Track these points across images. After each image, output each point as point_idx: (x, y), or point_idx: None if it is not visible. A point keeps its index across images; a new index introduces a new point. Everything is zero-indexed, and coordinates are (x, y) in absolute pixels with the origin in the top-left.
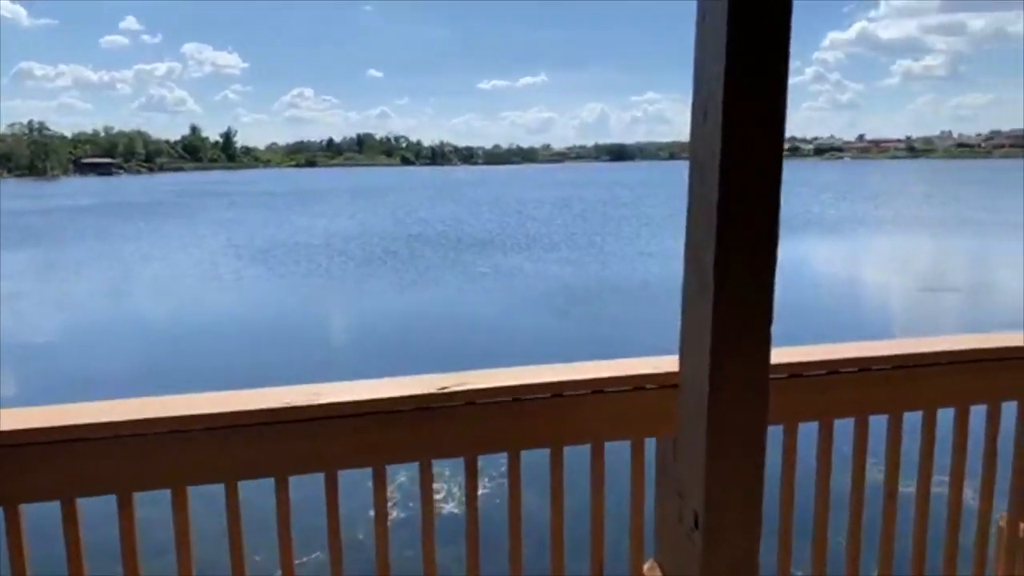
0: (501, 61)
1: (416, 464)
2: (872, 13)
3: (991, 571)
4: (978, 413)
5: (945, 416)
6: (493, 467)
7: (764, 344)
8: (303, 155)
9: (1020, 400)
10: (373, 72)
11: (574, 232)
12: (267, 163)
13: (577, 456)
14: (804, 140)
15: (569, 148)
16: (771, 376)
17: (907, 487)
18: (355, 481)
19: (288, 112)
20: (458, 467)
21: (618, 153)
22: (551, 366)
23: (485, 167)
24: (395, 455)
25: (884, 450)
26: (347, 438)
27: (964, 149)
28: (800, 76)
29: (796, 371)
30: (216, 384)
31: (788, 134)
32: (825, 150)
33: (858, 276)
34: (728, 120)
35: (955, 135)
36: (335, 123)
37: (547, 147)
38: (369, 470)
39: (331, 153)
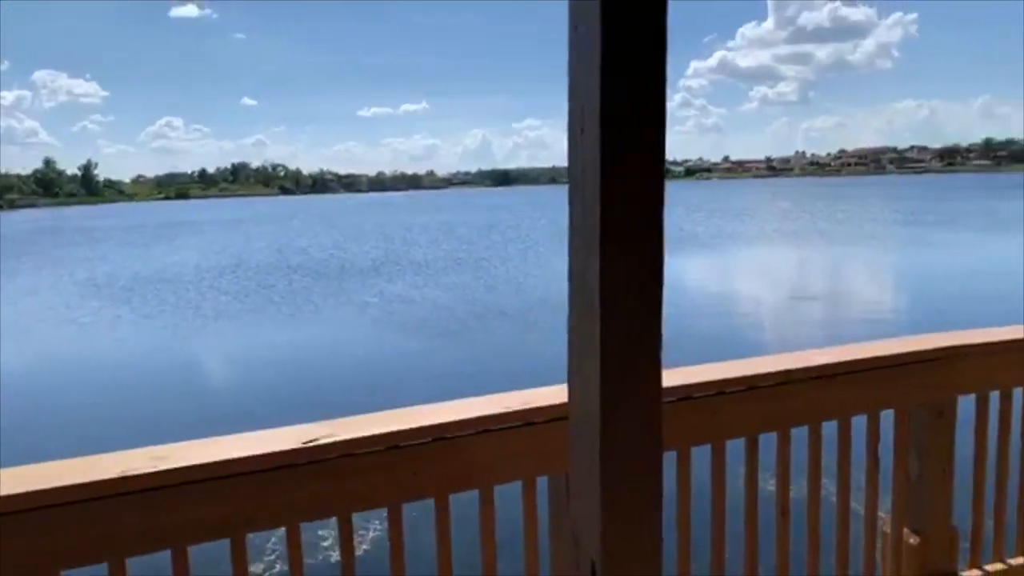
0: (380, 88)
1: None
2: (730, 43)
3: (879, 574)
4: (859, 422)
5: (829, 427)
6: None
7: (656, 368)
8: (173, 187)
9: (897, 409)
10: (247, 100)
11: (460, 257)
12: (133, 196)
13: (472, 495)
14: (675, 162)
15: (453, 174)
16: (666, 400)
17: (801, 492)
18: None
19: (156, 143)
20: None
21: (501, 178)
22: (433, 406)
23: (369, 194)
24: (256, 522)
25: (775, 466)
26: (198, 507)
27: (816, 167)
28: (669, 102)
29: (685, 394)
30: (62, 445)
31: None
32: (695, 171)
33: (732, 288)
34: (606, 132)
35: (808, 155)
36: (208, 153)
37: (431, 173)
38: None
39: (204, 184)
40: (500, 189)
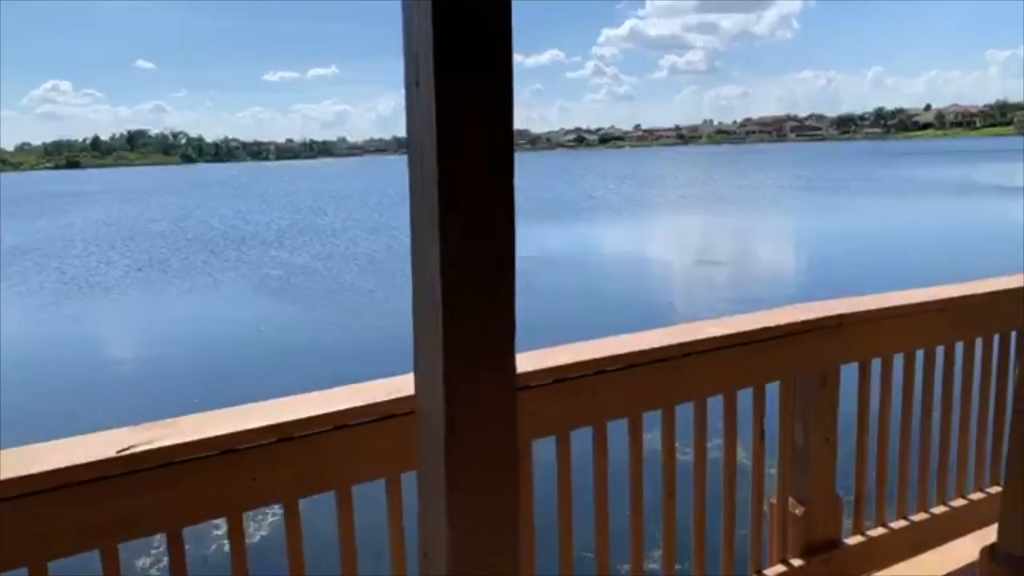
0: (288, 53)
1: None
2: (640, 12)
3: (766, 553)
4: (745, 396)
5: (716, 402)
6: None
7: (508, 356)
8: (63, 155)
9: (783, 380)
10: (143, 63)
11: (371, 227)
12: (17, 166)
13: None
14: (589, 131)
15: (367, 141)
16: (539, 383)
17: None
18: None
19: (41, 108)
20: None
21: None
22: (285, 400)
23: (277, 163)
24: (64, 545)
25: (660, 447)
26: None
27: (724, 135)
28: (581, 70)
29: (562, 375)
30: None
31: (574, 125)
32: (607, 139)
33: (643, 253)
34: (444, 85)
35: (715, 123)
36: (101, 120)
37: (344, 140)
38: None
39: (98, 153)
40: None
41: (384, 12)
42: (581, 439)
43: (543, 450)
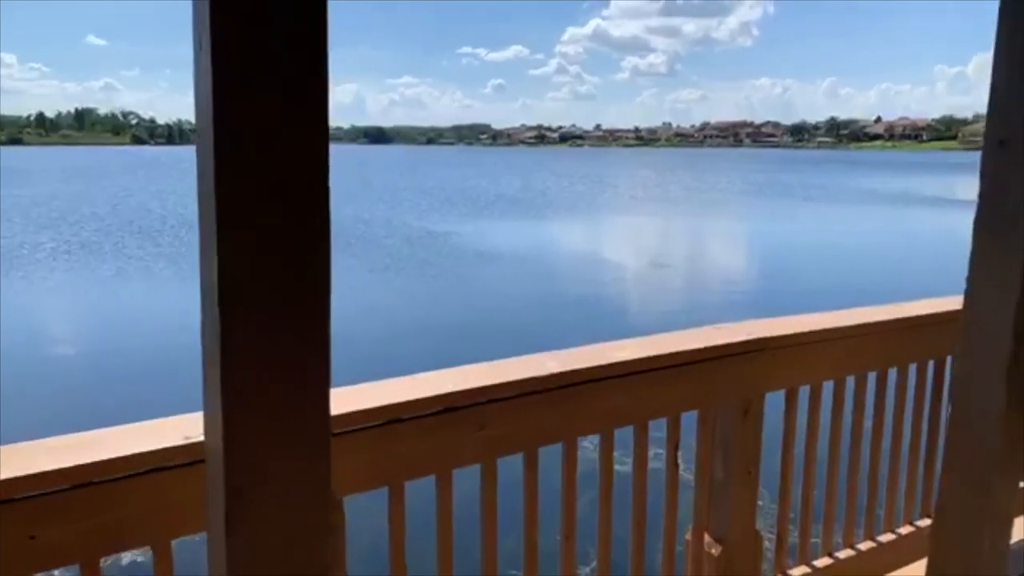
0: None
1: None
2: (605, 12)
3: None
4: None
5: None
6: None
7: (318, 392)
8: (4, 131)
9: (701, 409)
10: (94, 39)
11: None
12: None
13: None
14: (550, 129)
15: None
16: (415, 415)
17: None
18: None
19: None
20: None
21: (377, 135)
22: (88, 435)
23: None
24: None
25: (560, 484)
26: None
27: (682, 138)
28: (544, 67)
29: (451, 403)
30: None
31: (535, 122)
32: (568, 138)
33: (597, 254)
34: (222, 48)
35: (674, 126)
36: (48, 95)
37: None
38: None
39: (42, 130)
40: (376, 147)
41: None
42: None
43: (417, 493)
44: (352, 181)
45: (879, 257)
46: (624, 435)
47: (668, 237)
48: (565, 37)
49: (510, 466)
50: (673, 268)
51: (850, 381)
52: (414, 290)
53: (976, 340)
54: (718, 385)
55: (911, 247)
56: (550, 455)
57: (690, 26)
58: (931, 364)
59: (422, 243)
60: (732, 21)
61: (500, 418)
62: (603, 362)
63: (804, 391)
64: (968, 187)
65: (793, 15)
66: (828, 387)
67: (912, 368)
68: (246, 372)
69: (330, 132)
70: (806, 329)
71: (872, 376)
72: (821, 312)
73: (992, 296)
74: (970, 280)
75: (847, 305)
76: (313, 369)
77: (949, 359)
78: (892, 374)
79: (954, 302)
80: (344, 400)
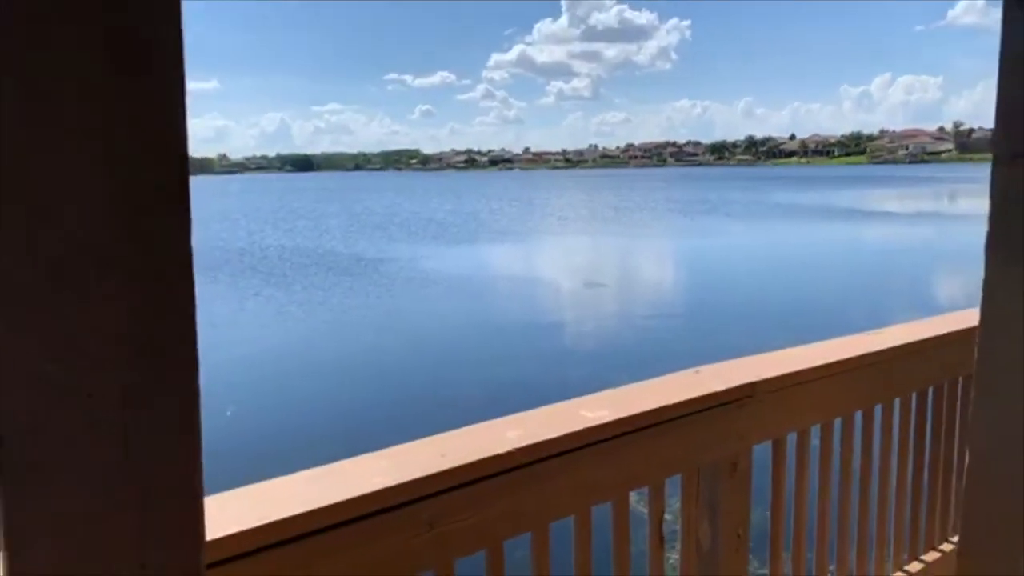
0: None
1: None
2: (528, 38)
3: None
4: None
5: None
6: None
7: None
8: None
9: (685, 472)
10: None
11: (243, 248)
12: None
13: None
14: (480, 152)
15: (249, 158)
16: (346, 520)
17: None
18: None
19: None
20: None
21: (303, 163)
22: None
23: None
24: None
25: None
26: None
27: (608, 160)
28: (471, 93)
29: (388, 501)
30: None
31: (465, 147)
32: (498, 161)
33: (533, 275)
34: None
35: (600, 148)
36: None
37: (224, 157)
38: None
39: None
40: (302, 175)
41: (273, 25)
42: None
43: None
44: (276, 209)
45: (809, 267)
46: (601, 512)
47: (601, 256)
48: (491, 63)
49: (473, 565)
50: (607, 287)
51: (837, 423)
52: (342, 319)
53: (994, 365)
54: (704, 441)
55: (833, 256)
56: (517, 545)
57: (611, 51)
58: (931, 391)
59: (350, 270)
60: (651, 46)
61: (453, 512)
62: (574, 428)
63: (791, 438)
64: (879, 198)
65: (708, 40)
66: (816, 431)
67: (913, 398)
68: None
69: (255, 162)
70: (800, 367)
71: (860, 413)
72: (805, 344)
73: (1012, 320)
74: (985, 302)
75: (780, 318)
76: (186, 479)
77: (947, 384)
78: (877, 410)
79: (943, 323)
80: (229, 512)
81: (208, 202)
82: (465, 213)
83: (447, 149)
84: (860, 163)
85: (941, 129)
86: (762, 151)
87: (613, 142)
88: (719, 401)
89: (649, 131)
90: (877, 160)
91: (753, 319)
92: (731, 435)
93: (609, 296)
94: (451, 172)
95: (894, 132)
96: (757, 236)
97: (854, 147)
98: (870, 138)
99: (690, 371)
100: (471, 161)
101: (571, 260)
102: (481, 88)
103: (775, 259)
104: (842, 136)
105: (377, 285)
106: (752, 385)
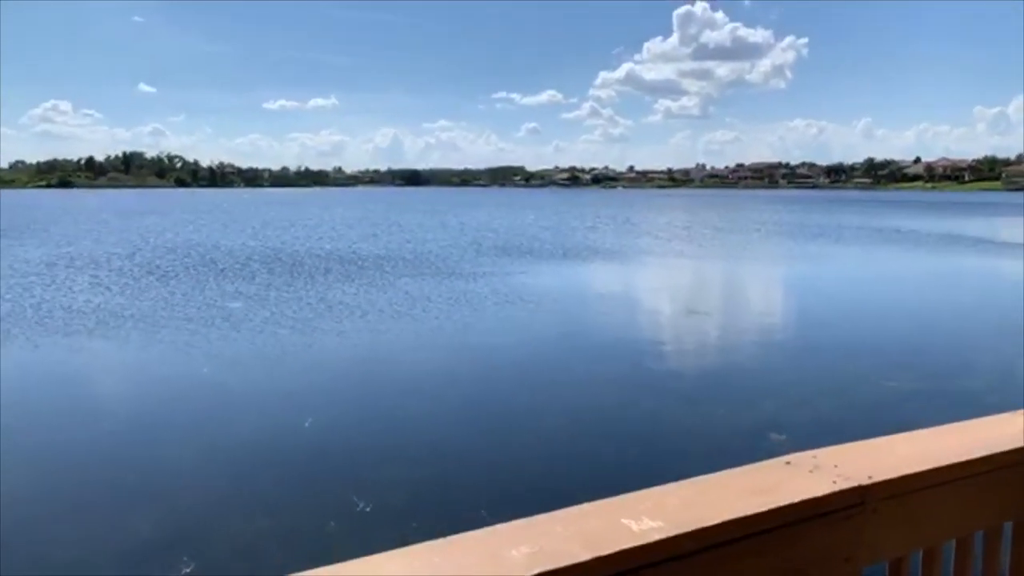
0: (289, 81)
1: None
2: (637, 56)
3: None
4: None
5: None
6: None
7: None
8: (56, 174)
9: None
10: (144, 87)
11: (369, 256)
12: (10, 183)
13: None
14: (583, 170)
15: (362, 172)
16: None
17: None
18: None
19: (40, 127)
20: None
21: (411, 177)
22: None
23: (271, 189)
24: None
25: None
26: None
27: (715, 180)
28: (577, 111)
29: None
30: None
31: (568, 163)
32: (601, 179)
33: (633, 298)
34: None
35: (708, 167)
36: (98, 140)
37: (339, 170)
38: None
39: (91, 173)
40: (410, 188)
41: (388, 43)
42: None
43: None
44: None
45: (927, 303)
46: None
47: (702, 280)
48: (598, 81)
49: None
50: (707, 315)
51: (978, 537)
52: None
53: None
54: (796, 567)
55: (961, 289)
56: None
57: (723, 69)
58: None
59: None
60: (765, 64)
61: None
62: (608, 548)
63: (915, 558)
64: (1014, 228)
65: (827, 58)
66: (950, 549)
67: None
68: None
69: (368, 175)
70: (928, 465)
71: (1010, 525)
72: (933, 427)
73: None
74: None
75: (896, 356)
76: None
77: None
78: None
79: None
80: None
81: (329, 210)
82: (553, 228)
83: (551, 166)
84: (995, 189)
85: None
86: (882, 175)
87: (722, 161)
88: (818, 510)
89: (760, 152)
90: (1014, 187)
91: (860, 357)
92: (834, 556)
93: (707, 323)
94: (553, 188)
95: None
96: (868, 263)
97: (988, 172)
98: (1006, 163)
99: (780, 461)
100: (574, 179)
101: (670, 281)
102: (587, 106)
103: (888, 289)
104: (974, 160)
105: (448, 300)
106: (863, 489)
